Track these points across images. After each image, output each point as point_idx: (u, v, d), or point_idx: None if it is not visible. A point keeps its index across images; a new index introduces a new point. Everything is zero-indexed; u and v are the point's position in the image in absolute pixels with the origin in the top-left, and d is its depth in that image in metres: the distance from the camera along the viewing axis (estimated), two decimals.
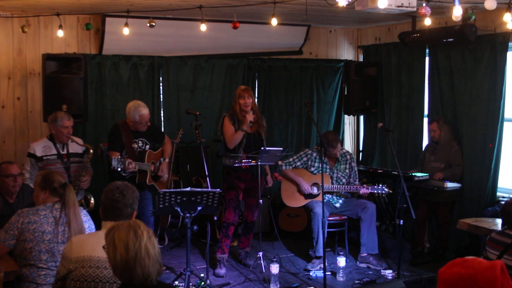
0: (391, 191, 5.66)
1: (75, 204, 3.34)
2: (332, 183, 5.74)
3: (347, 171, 5.86)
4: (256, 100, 6.96)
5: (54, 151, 5.04)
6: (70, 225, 3.27)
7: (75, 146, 5.11)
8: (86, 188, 5.12)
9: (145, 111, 5.17)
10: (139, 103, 5.22)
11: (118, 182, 2.95)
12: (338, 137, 5.87)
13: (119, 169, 4.84)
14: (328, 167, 5.75)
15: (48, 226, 3.26)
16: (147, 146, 5.33)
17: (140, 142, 5.28)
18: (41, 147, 5.03)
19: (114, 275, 2.24)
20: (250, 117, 5.30)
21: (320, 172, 5.71)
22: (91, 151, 5.06)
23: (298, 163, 5.81)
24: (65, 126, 5.01)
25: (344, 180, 5.83)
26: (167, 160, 5.47)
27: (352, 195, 5.99)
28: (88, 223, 3.42)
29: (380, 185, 5.59)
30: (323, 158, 5.62)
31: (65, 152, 5.08)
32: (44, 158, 5.00)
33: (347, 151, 6.08)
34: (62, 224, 3.28)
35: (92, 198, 4.97)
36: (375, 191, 5.61)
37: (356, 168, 5.96)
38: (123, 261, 2.14)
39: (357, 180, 5.91)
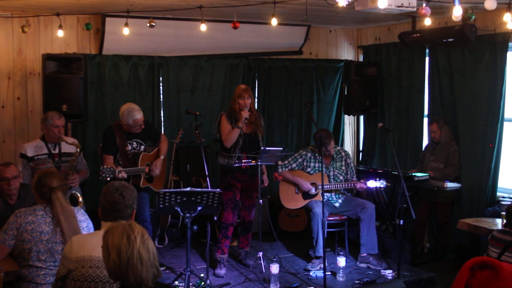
0: (389, 184, 5.66)
1: (63, 209, 3.27)
2: (330, 182, 5.74)
3: (343, 168, 5.86)
4: (256, 100, 6.97)
5: (45, 151, 5.02)
6: (62, 229, 3.24)
7: (68, 146, 5.06)
8: (78, 187, 5.09)
9: (138, 116, 5.07)
10: (133, 107, 5.11)
11: (116, 182, 2.93)
12: (330, 133, 5.87)
13: (109, 179, 4.72)
14: (324, 166, 5.74)
15: (45, 226, 3.26)
16: (142, 147, 5.29)
17: (134, 143, 5.23)
18: (32, 147, 5.01)
19: (109, 277, 2.24)
20: (245, 114, 5.29)
21: (317, 171, 5.74)
22: (78, 150, 4.99)
23: (294, 165, 5.81)
24: (56, 125, 4.97)
25: (341, 178, 5.83)
26: (161, 157, 5.40)
27: (351, 191, 5.99)
28: (86, 222, 3.40)
29: (378, 179, 5.59)
30: (318, 157, 5.62)
31: (56, 151, 5.04)
32: (35, 158, 4.98)
33: (342, 148, 6.09)
34: (59, 225, 3.28)
35: (80, 197, 4.92)
36: (373, 186, 5.60)
37: (352, 165, 5.96)
38: (116, 266, 2.13)
39: (354, 176, 5.91)
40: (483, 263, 1.50)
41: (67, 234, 3.22)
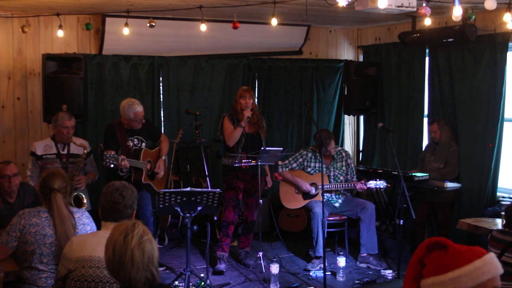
0: (389, 185, 5.66)
1: (59, 213, 3.25)
2: (330, 182, 5.74)
3: (343, 168, 5.86)
4: (256, 100, 6.97)
5: (54, 151, 5.05)
6: (56, 232, 3.23)
7: (77, 147, 5.08)
8: (84, 188, 5.10)
9: (139, 108, 5.12)
10: (133, 100, 5.17)
11: (116, 182, 2.92)
12: (331, 133, 5.88)
13: (112, 165, 4.77)
14: (324, 166, 5.74)
15: (49, 229, 3.24)
16: (143, 144, 5.31)
17: (135, 140, 5.25)
18: (42, 146, 5.05)
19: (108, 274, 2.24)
20: (247, 113, 5.34)
21: (317, 172, 5.74)
22: (85, 151, 5.01)
23: (294, 165, 5.81)
24: (65, 126, 5.01)
25: (341, 178, 5.83)
26: (163, 157, 5.43)
27: (351, 192, 5.99)
28: (90, 225, 3.37)
29: (378, 180, 5.59)
30: (318, 157, 5.62)
31: (65, 152, 5.08)
32: (44, 157, 5.01)
33: (342, 149, 6.09)
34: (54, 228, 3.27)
35: (85, 199, 4.92)
36: (373, 186, 5.60)
37: (352, 165, 5.96)
38: (109, 262, 2.15)
39: (355, 177, 5.91)
40: (441, 243, 1.53)
41: (60, 238, 3.20)
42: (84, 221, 3.36)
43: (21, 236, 3.24)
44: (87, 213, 3.46)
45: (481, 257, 1.49)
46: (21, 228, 3.25)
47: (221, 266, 5.41)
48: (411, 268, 1.58)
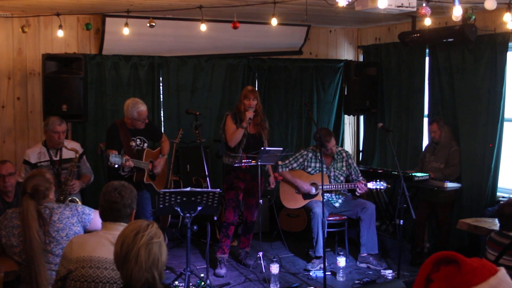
0: (389, 186, 5.66)
1: (26, 218, 3.17)
2: (330, 182, 5.74)
3: (344, 168, 5.86)
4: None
5: (47, 157, 4.98)
6: (24, 236, 3.16)
7: (70, 152, 5.01)
8: (78, 192, 5.06)
9: (143, 107, 5.14)
10: (137, 100, 5.19)
11: (115, 182, 2.92)
12: (331, 131, 5.88)
13: (116, 165, 4.77)
14: (324, 166, 5.74)
15: None
16: (145, 144, 5.31)
17: (138, 140, 5.26)
18: (36, 154, 4.98)
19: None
20: (249, 114, 5.33)
21: (318, 172, 5.73)
22: (77, 155, 4.94)
23: (295, 165, 5.81)
24: (55, 131, 4.91)
25: (342, 178, 5.83)
26: (165, 156, 5.44)
27: (352, 192, 6.00)
28: (75, 217, 3.30)
29: (378, 181, 5.59)
30: (319, 157, 5.63)
31: (57, 158, 5.00)
32: (38, 164, 4.94)
33: (343, 149, 6.09)
34: (45, 225, 3.23)
35: (79, 202, 4.91)
36: (374, 187, 5.60)
37: (355, 165, 5.95)
38: (116, 256, 2.18)
39: (360, 176, 5.89)
40: (449, 258, 1.50)
41: (24, 243, 3.15)
42: (67, 215, 3.29)
43: (6, 238, 3.23)
44: (71, 205, 3.38)
45: (494, 274, 1.47)
46: (2, 228, 3.27)
47: (221, 272, 5.39)
48: (418, 285, 1.54)
